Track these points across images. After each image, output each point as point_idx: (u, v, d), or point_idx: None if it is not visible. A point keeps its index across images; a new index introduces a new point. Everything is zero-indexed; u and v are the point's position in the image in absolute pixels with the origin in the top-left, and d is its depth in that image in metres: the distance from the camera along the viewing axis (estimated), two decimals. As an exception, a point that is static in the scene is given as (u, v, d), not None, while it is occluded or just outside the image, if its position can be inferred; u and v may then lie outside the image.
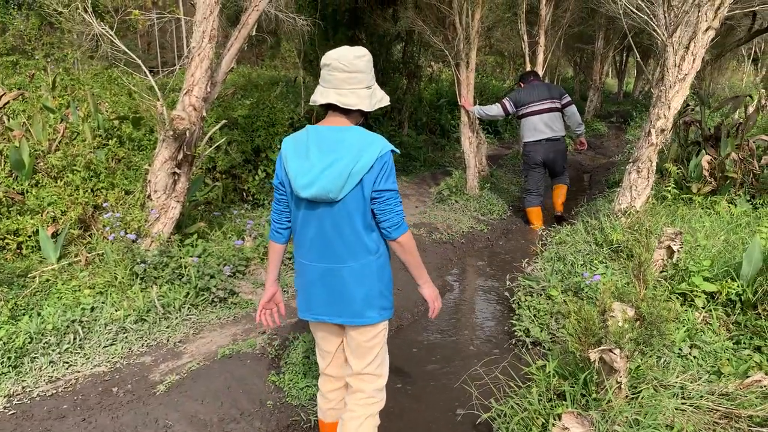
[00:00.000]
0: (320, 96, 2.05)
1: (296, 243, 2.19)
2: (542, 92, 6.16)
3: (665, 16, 4.32)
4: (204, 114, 4.33)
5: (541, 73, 8.19)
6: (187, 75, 4.19)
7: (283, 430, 2.81)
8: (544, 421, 2.47)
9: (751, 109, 5.86)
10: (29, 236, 4.28)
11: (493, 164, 8.97)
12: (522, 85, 6.49)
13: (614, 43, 14.43)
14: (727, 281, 3.48)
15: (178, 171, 4.30)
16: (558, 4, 9.36)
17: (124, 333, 3.49)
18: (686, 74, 4.37)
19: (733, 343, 3.12)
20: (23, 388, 2.94)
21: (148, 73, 4.76)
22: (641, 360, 2.65)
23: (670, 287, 3.58)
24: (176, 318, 3.72)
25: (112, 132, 5.65)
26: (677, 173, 5.53)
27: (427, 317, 4.10)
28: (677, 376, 2.67)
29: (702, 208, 5.20)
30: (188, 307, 3.84)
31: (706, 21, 4.18)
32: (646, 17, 4.40)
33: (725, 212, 5.02)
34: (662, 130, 4.57)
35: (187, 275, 3.98)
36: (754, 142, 5.60)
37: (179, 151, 4.25)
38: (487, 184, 7.58)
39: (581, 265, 4.25)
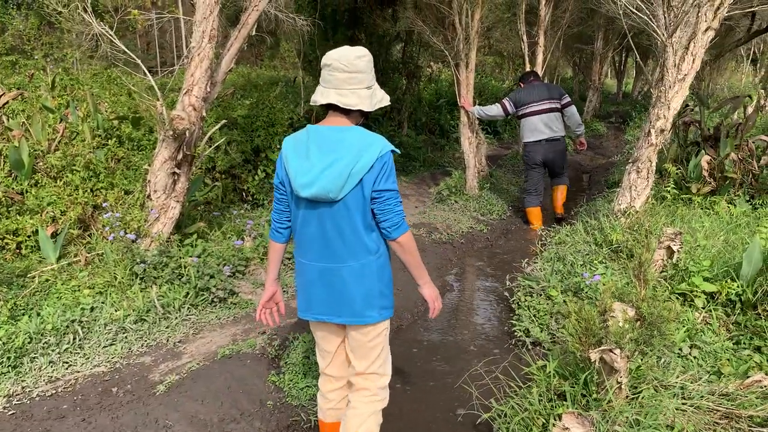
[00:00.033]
0: (321, 96, 2.05)
1: (296, 242, 2.19)
2: (542, 92, 6.16)
3: (665, 17, 4.33)
4: (204, 114, 4.33)
5: (540, 73, 8.19)
6: (187, 75, 4.19)
7: (283, 431, 2.81)
8: (544, 421, 2.47)
9: (750, 110, 5.86)
10: (29, 236, 4.28)
11: (493, 164, 8.96)
12: (522, 85, 6.49)
13: (613, 43, 14.43)
14: (726, 281, 3.48)
15: (177, 171, 4.30)
16: (557, 4, 9.35)
17: (123, 333, 3.49)
18: (686, 75, 4.37)
19: (733, 344, 3.12)
20: (23, 388, 2.94)
21: (147, 72, 4.77)
22: (641, 360, 2.65)
23: (670, 287, 3.59)
24: (176, 318, 3.72)
25: (111, 132, 5.64)
26: (677, 173, 5.53)
27: (427, 317, 4.12)
28: (677, 377, 2.67)
29: (701, 209, 5.21)
30: (188, 307, 3.84)
31: (706, 21, 4.18)
32: (645, 17, 4.40)
33: (725, 212, 5.02)
34: (662, 131, 4.58)
35: (187, 275, 3.98)
36: (753, 142, 5.62)
37: (179, 151, 4.24)
38: (487, 185, 7.58)
39: (581, 265, 4.25)
